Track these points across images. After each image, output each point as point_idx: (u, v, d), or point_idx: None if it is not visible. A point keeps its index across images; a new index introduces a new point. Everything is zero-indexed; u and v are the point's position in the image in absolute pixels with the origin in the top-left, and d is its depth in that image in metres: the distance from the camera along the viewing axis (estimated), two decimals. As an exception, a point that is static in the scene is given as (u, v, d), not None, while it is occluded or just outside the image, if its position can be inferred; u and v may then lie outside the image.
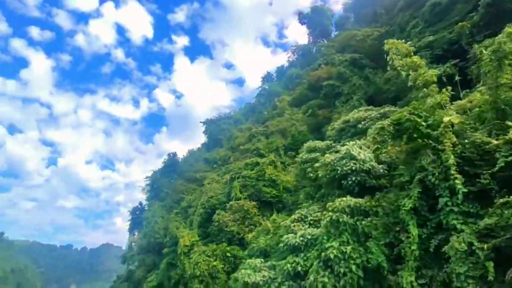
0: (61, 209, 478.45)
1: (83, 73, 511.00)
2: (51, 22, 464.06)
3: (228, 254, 29.05)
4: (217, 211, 34.00)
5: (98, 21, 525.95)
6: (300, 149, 27.43)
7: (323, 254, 15.62)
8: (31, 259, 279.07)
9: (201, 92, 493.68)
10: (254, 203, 32.29)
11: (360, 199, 16.79)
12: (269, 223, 27.97)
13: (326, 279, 15.05)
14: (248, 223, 31.17)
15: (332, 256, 15.05)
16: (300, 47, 78.04)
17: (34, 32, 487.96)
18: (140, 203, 57.04)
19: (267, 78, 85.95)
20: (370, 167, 18.12)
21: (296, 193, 33.20)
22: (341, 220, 15.83)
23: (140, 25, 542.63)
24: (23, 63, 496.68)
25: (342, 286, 14.71)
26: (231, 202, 32.95)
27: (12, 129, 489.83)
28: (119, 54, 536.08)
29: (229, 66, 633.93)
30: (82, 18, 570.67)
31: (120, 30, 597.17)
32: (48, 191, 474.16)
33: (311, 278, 15.62)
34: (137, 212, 56.42)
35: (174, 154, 56.23)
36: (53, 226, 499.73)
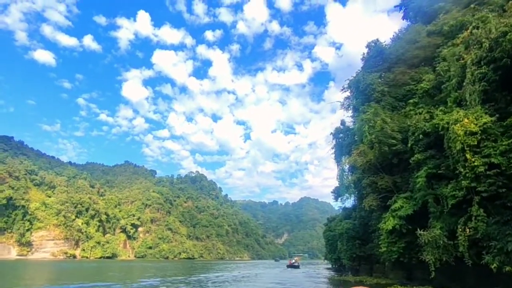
0: (262, 173, 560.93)
1: (251, 55, 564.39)
2: (218, 21, 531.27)
3: None
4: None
5: (250, 3, 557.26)
6: None
7: None
8: (250, 214, 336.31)
9: (361, 33, 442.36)
10: None
11: None
12: None
13: None
14: None
15: None
16: None
17: (209, 35, 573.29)
18: (343, 122, 44.22)
19: None
20: None
21: None
22: None
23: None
24: (208, 63, 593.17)
25: None
26: None
27: (215, 117, 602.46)
28: (274, 27, 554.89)
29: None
30: (237, 7, 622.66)
31: (269, 2, 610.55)
32: (250, 161, 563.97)
33: None
34: (340, 135, 43.84)
35: (376, 41, 39.31)
36: (259, 188, 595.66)
